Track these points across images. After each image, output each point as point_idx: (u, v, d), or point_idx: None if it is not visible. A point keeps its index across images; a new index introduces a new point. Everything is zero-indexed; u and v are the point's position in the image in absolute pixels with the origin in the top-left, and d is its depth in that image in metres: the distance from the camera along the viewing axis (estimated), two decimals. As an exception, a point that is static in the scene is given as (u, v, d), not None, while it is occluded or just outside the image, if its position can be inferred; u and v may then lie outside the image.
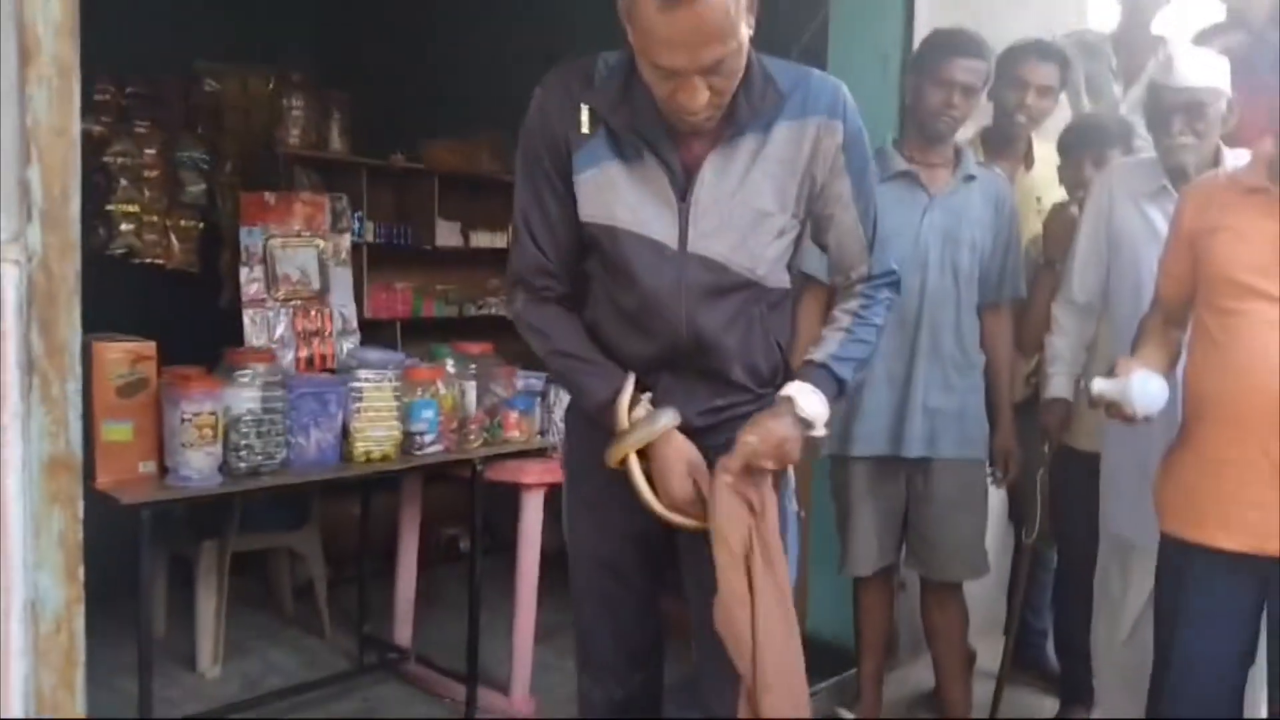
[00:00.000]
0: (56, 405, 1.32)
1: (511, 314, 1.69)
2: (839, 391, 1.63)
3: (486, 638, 3.04)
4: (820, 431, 1.59)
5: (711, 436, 1.62)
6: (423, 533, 3.49)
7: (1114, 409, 1.81)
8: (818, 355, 1.64)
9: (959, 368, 2.50)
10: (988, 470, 2.61)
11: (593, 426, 1.63)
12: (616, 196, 1.55)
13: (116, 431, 2.34)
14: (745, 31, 1.44)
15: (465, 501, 3.00)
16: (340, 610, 3.57)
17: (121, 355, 2.35)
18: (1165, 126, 2.20)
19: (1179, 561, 1.84)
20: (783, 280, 1.66)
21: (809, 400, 1.57)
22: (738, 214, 1.55)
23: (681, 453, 1.57)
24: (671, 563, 1.74)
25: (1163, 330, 1.96)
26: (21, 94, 1.28)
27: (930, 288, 2.46)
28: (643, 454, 1.58)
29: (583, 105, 1.54)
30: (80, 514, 1.36)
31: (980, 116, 2.79)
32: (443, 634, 3.39)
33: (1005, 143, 2.81)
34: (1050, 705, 2.87)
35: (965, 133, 2.74)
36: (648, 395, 1.60)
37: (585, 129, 1.54)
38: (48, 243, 1.30)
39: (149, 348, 2.41)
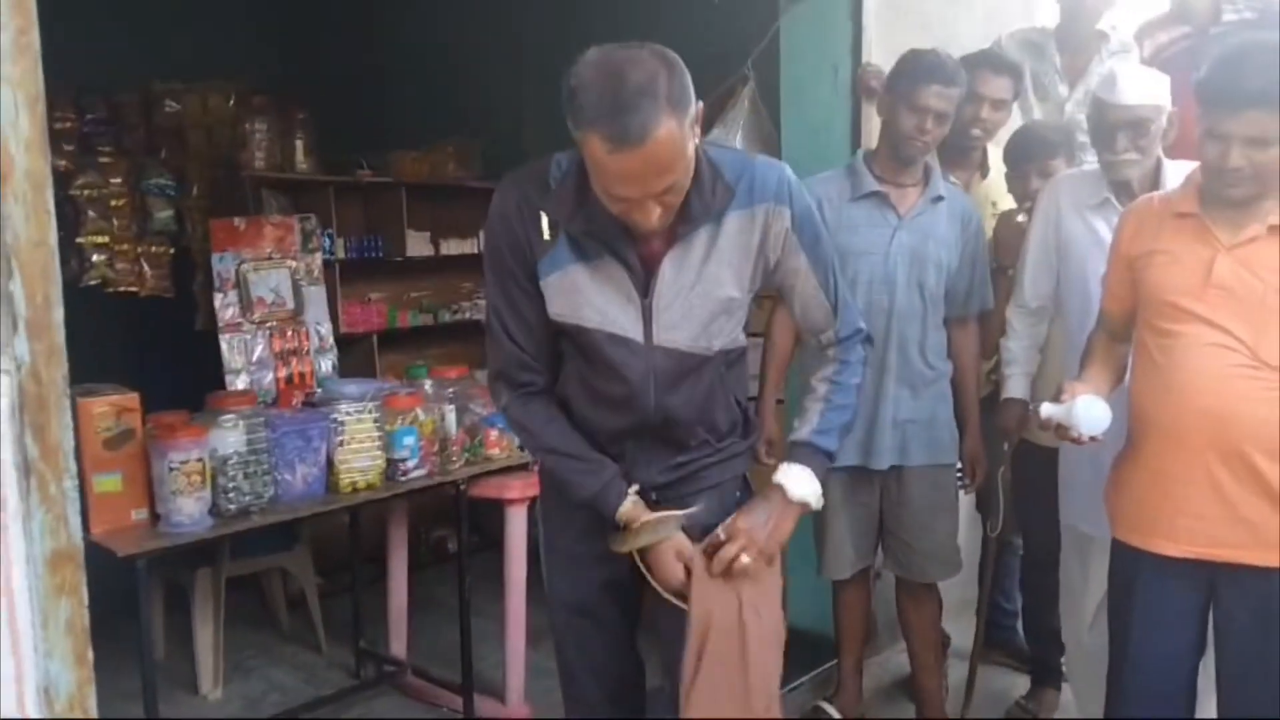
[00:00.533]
0: (55, 503, 1.39)
1: (499, 409, 1.78)
2: (829, 460, 1.73)
3: (480, 642, 3.14)
4: (815, 505, 1.70)
5: (674, 489, 1.72)
6: (411, 535, 3.57)
7: (1060, 431, 1.91)
8: (801, 434, 1.73)
9: (926, 381, 2.58)
10: (958, 474, 2.71)
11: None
12: (583, 298, 1.61)
13: (107, 483, 2.41)
14: (692, 147, 1.49)
15: (452, 504, 3.03)
16: (335, 621, 3.65)
17: (107, 409, 2.41)
18: (1109, 143, 2.27)
19: (1129, 567, 1.94)
20: (739, 341, 1.74)
21: (798, 481, 1.68)
22: (698, 305, 1.63)
23: (672, 544, 1.66)
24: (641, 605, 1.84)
25: (1107, 347, 2.06)
26: (-1, 212, 1.33)
27: (898, 306, 2.53)
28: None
29: (541, 213, 1.59)
30: (85, 600, 1.43)
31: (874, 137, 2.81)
32: (437, 641, 3.48)
33: (961, 154, 2.88)
34: (1022, 684, 3.00)
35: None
36: (635, 488, 1.68)
37: (546, 235, 1.59)
38: (35, 350, 1.36)
39: (132, 399, 2.47)
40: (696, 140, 1.51)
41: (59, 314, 1.39)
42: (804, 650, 3.16)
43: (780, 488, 1.69)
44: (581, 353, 1.67)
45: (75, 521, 1.40)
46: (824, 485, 2.58)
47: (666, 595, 1.68)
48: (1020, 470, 2.68)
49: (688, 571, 1.65)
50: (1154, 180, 2.29)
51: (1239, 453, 1.76)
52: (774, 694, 1.70)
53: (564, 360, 1.72)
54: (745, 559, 1.63)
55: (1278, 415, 1.73)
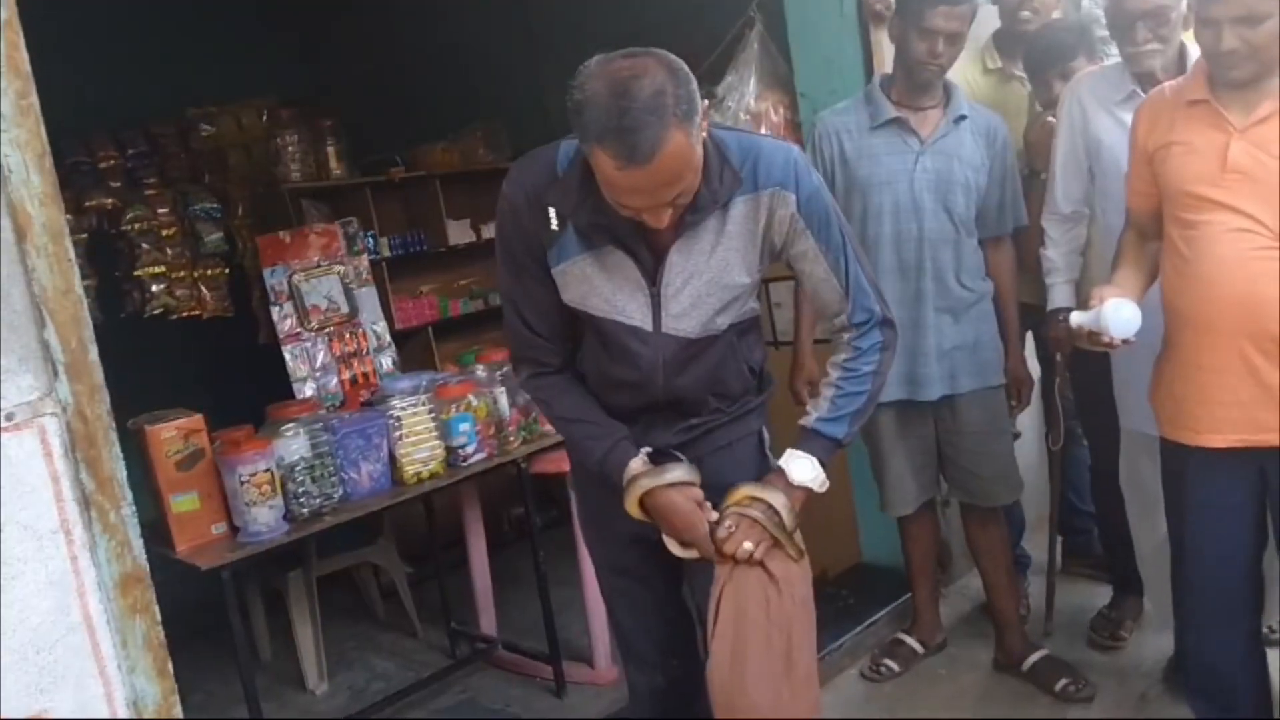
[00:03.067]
0: (117, 531, 1.48)
1: (520, 385, 1.83)
2: (836, 447, 1.71)
3: (564, 611, 3.23)
4: (818, 489, 1.70)
5: (688, 450, 1.74)
6: (489, 517, 3.67)
7: (1093, 337, 1.88)
8: (809, 420, 1.73)
9: (966, 304, 2.54)
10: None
11: None
12: (591, 288, 1.63)
13: (184, 503, 2.53)
14: (700, 150, 1.48)
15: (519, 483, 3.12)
16: (428, 606, 3.78)
17: (174, 433, 2.53)
18: (1129, 34, 2.21)
19: (1176, 463, 1.93)
20: (749, 313, 1.74)
21: (800, 467, 1.68)
22: (706, 293, 1.63)
23: (679, 491, 1.66)
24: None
25: (1137, 246, 2.01)
26: (24, 266, 1.41)
27: (928, 232, 2.49)
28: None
29: (548, 204, 1.60)
30: (158, 617, 1.53)
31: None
32: (524, 615, 3.58)
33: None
34: (1104, 594, 2.96)
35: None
36: (647, 450, 1.70)
37: (554, 225, 1.60)
38: (77, 391, 1.44)
39: (197, 421, 2.58)
40: (704, 134, 1.50)
41: (94, 354, 1.47)
42: (880, 584, 3.20)
43: (782, 472, 1.69)
44: (595, 337, 1.70)
45: (138, 545, 1.50)
46: (875, 422, 2.64)
47: (680, 552, 1.69)
48: (1079, 376, 2.64)
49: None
50: (1179, 68, 2.21)
51: (1272, 335, 1.73)
52: (811, 666, 1.69)
53: (583, 339, 1.75)
54: (748, 546, 1.63)
55: None
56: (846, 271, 1.69)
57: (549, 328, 1.72)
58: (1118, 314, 1.83)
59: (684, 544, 1.69)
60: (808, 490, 1.69)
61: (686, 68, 1.45)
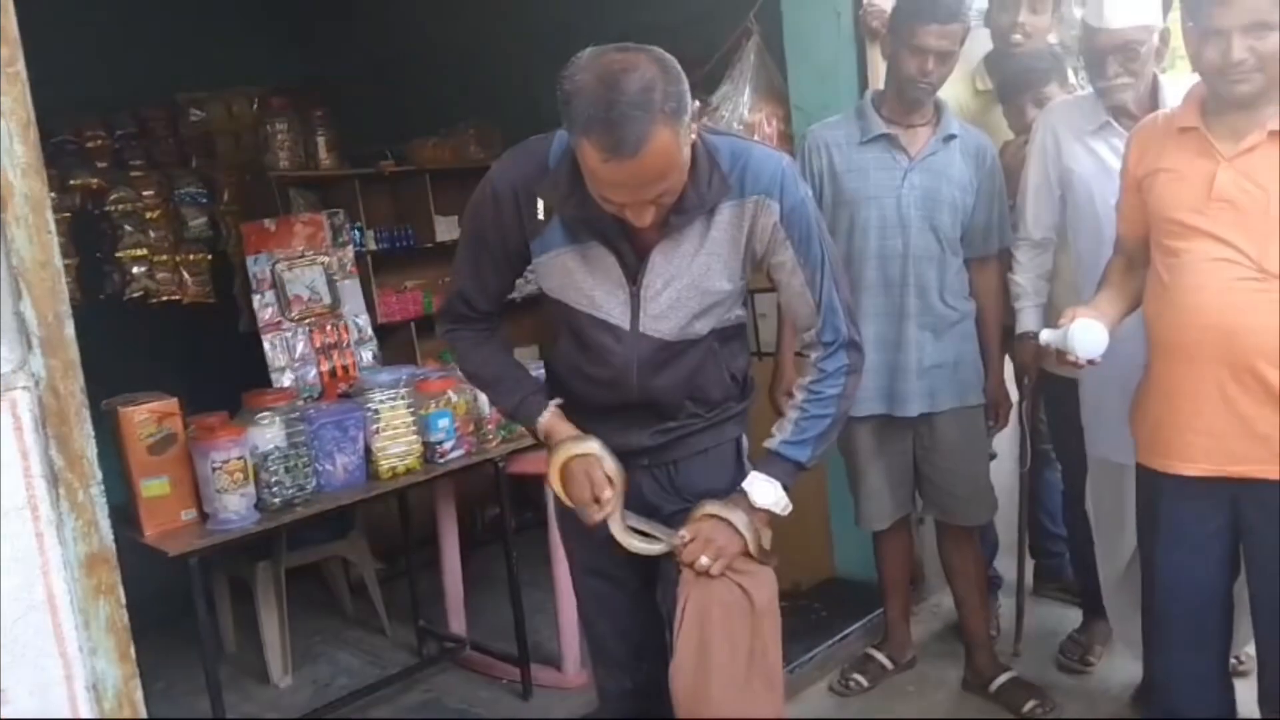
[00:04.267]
0: (84, 509, 1.45)
1: (439, 335, 1.89)
2: (799, 470, 1.71)
3: (536, 614, 3.21)
4: (780, 513, 1.70)
5: (663, 453, 1.74)
6: (464, 516, 3.65)
7: (1060, 357, 1.91)
8: (773, 442, 1.72)
9: (948, 322, 2.55)
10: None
11: None
12: (571, 281, 1.63)
13: (154, 487, 2.50)
14: (688, 150, 1.48)
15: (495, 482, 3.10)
16: (397, 603, 3.75)
17: (148, 416, 2.50)
18: (1100, 69, 2.23)
19: (1150, 490, 1.94)
20: (733, 320, 1.73)
21: (762, 491, 1.68)
22: (686, 297, 1.63)
23: (585, 460, 1.66)
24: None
25: (1122, 272, 2.02)
26: (3, 237, 1.38)
27: (913, 249, 2.50)
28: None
29: (537, 195, 1.60)
30: (123, 600, 1.50)
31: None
32: (495, 616, 3.56)
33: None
34: (1074, 617, 2.97)
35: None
36: (557, 402, 1.73)
37: (541, 215, 1.60)
38: (50, 366, 1.42)
39: (172, 405, 2.55)
40: (694, 137, 1.50)
41: (70, 329, 1.45)
42: (852, 599, 3.21)
43: (745, 494, 1.68)
44: (570, 330, 1.69)
45: (105, 525, 1.47)
46: (853, 435, 2.64)
47: (625, 541, 1.68)
48: (1049, 400, 2.65)
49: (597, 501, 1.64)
50: (1151, 101, 2.25)
51: (1249, 366, 1.74)
52: (775, 670, 1.69)
53: (557, 335, 1.74)
54: (704, 561, 1.62)
55: None
56: (821, 288, 1.68)
57: (485, 303, 1.75)
58: (1085, 334, 1.85)
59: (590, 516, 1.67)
60: (769, 512, 1.69)
61: (679, 66, 1.45)
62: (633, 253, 1.61)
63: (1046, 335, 1.95)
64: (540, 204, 1.59)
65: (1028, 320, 2.53)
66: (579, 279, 1.63)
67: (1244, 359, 1.74)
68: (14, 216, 1.39)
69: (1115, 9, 2.17)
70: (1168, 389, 1.87)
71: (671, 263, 1.61)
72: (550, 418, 1.71)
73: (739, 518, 1.65)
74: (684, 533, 1.65)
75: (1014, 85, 2.70)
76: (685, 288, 1.62)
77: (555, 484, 1.71)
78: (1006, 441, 3.00)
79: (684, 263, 1.61)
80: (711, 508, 1.67)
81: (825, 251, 1.68)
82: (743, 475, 1.76)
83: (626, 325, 1.64)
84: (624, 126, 1.37)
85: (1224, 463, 1.80)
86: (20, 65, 1.42)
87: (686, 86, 1.45)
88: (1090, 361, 1.87)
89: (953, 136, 2.52)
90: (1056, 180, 2.43)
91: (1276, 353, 1.71)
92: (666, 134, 1.40)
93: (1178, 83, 2.12)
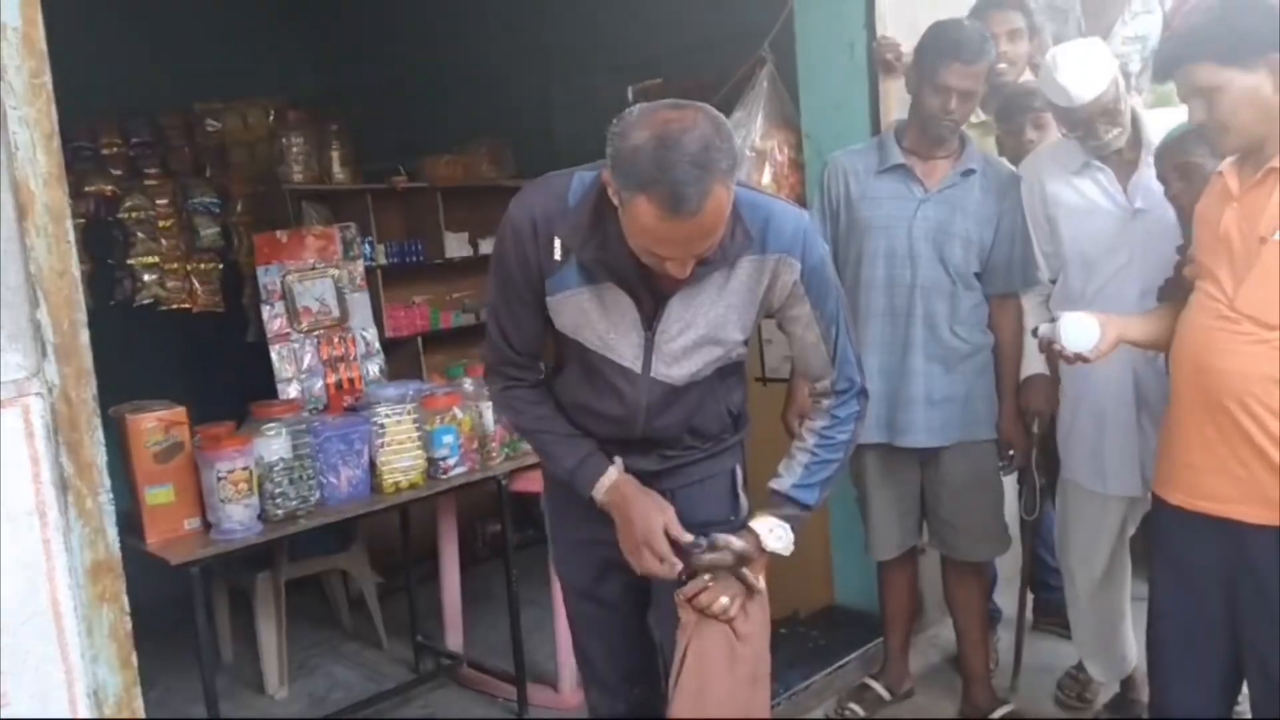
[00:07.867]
0: (92, 517, 1.47)
1: (490, 396, 1.86)
2: (807, 512, 1.74)
3: (534, 633, 3.21)
4: (787, 553, 1.72)
5: (659, 480, 1.75)
6: (465, 532, 3.65)
7: (1051, 349, 2.00)
8: (782, 484, 1.74)
9: (960, 355, 2.53)
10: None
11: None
12: (586, 321, 1.63)
13: (159, 495, 2.51)
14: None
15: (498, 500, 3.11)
16: (395, 618, 3.75)
17: (155, 424, 2.51)
18: (1090, 131, 2.29)
19: (1155, 517, 1.99)
20: (735, 356, 1.73)
21: (771, 533, 1.70)
22: (699, 345, 1.64)
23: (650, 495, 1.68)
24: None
25: (1178, 302, 2.02)
26: (23, 245, 1.40)
27: (921, 280, 2.49)
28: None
29: (554, 235, 1.59)
30: (127, 607, 1.51)
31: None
32: (492, 633, 3.56)
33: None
34: (1072, 652, 2.94)
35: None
36: (619, 461, 1.72)
37: (558, 255, 1.60)
38: (64, 374, 1.44)
39: (179, 413, 2.56)
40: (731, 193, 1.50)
41: (85, 338, 1.47)
42: (851, 627, 3.19)
43: (755, 535, 1.70)
44: (581, 365, 1.70)
45: (112, 533, 1.48)
46: (861, 462, 2.64)
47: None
48: (1048, 440, 2.65)
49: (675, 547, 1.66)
50: (1135, 135, 2.33)
51: (1221, 406, 1.77)
52: (764, 701, 1.72)
53: (564, 364, 1.75)
54: (724, 602, 1.65)
55: (1253, 368, 1.71)
56: (836, 341, 1.70)
57: (529, 349, 1.73)
58: (1074, 327, 1.94)
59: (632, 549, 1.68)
60: (777, 554, 1.71)
61: (728, 123, 1.46)
62: (650, 298, 1.61)
63: (1042, 329, 2.03)
64: (558, 243, 1.59)
65: (1035, 364, 2.52)
66: (594, 319, 1.63)
67: (1215, 399, 1.77)
68: (35, 225, 1.41)
69: (1080, 87, 2.22)
70: (1168, 422, 1.93)
71: (688, 311, 1.62)
72: (619, 475, 1.71)
73: (756, 569, 1.69)
74: (690, 538, 1.66)
75: (1009, 110, 2.75)
76: (699, 336, 1.63)
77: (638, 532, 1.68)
78: (1010, 481, 3.00)
79: (700, 312, 1.62)
80: (728, 557, 1.67)
81: (840, 304, 1.71)
82: (738, 505, 1.78)
83: (638, 369, 1.65)
84: (688, 187, 1.37)
85: (1205, 500, 1.82)
86: (47, 78, 1.44)
87: (736, 142, 1.46)
88: (1079, 356, 1.94)
89: (972, 171, 2.51)
90: (1045, 220, 2.48)
91: (1244, 396, 1.73)
92: (723, 192, 1.41)
93: (1159, 115, 2.26)
